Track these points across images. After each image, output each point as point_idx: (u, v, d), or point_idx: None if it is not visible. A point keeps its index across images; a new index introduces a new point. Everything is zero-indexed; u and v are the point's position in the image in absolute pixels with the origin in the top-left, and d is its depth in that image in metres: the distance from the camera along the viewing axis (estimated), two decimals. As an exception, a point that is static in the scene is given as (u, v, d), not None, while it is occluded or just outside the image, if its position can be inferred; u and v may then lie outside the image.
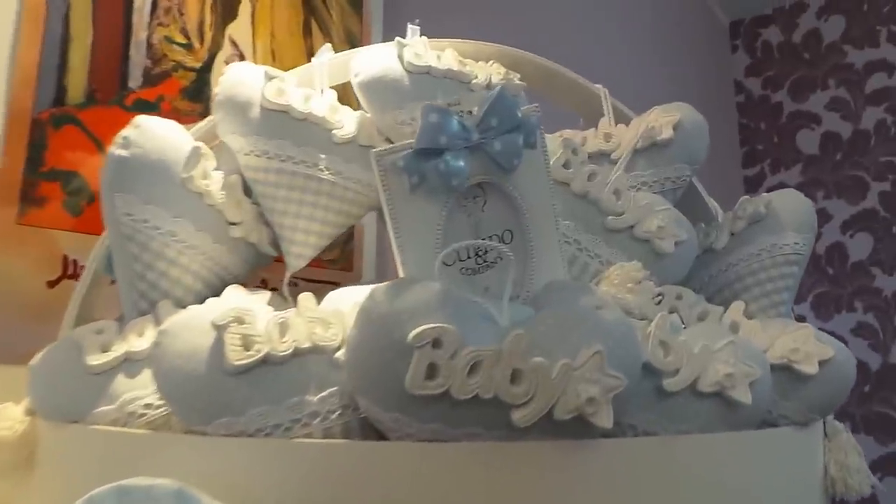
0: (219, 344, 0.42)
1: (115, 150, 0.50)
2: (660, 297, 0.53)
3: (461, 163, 0.45)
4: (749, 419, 0.49)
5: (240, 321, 0.43)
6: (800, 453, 0.55)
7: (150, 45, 0.79)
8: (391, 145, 0.45)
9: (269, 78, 0.59)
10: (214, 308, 0.44)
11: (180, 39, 0.82)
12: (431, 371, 0.39)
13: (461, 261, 0.50)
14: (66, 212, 0.69)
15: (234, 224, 0.58)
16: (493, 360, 0.40)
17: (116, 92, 0.76)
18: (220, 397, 0.41)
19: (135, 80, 0.78)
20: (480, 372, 0.40)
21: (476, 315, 0.43)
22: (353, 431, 0.44)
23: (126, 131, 0.51)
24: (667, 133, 0.65)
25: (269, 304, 0.52)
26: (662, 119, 0.66)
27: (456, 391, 0.39)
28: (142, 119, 0.52)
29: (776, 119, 2.84)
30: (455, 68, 0.62)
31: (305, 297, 0.46)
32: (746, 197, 0.69)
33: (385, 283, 0.42)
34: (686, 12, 2.46)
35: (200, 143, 0.56)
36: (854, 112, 2.65)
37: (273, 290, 0.58)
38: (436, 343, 0.39)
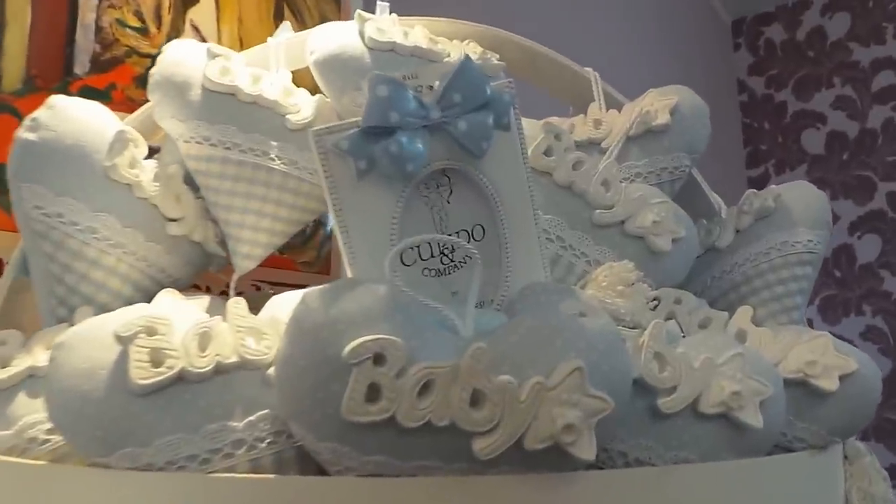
0: (123, 359, 0.35)
1: (22, 133, 0.44)
2: (655, 302, 0.46)
3: (418, 144, 0.38)
4: (759, 444, 0.42)
5: (150, 332, 0.36)
6: (817, 481, 0.48)
7: (99, 29, 0.72)
8: (333, 123, 0.38)
9: (213, 56, 0.52)
10: (124, 316, 0.37)
11: (134, 23, 0.75)
12: (373, 392, 0.32)
13: (423, 260, 0.43)
14: (-1, 209, 0.63)
15: (172, 220, 0.51)
16: (449, 378, 0.33)
17: (60, 79, 0.69)
18: (122, 424, 0.34)
19: (81, 66, 0.71)
20: (434, 393, 0.33)
21: (432, 324, 0.36)
22: (288, 464, 0.37)
23: (37, 112, 0.45)
24: (663, 118, 0.58)
25: (210, 311, 0.45)
26: (658, 103, 0.59)
27: (403, 417, 0.32)
28: (56, 99, 0.46)
29: (780, 119, 2.77)
30: (424, 46, 0.55)
31: (235, 303, 0.39)
32: (753, 191, 0.62)
33: (321, 287, 0.35)
34: (687, 10, 2.40)
35: (128, 127, 0.49)
36: (860, 111, 2.58)
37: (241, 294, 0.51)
38: (378, 359, 0.32)
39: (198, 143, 0.51)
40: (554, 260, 0.50)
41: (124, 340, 0.35)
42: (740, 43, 2.85)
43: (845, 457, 0.52)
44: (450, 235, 0.44)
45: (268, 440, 0.36)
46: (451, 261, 0.44)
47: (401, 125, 0.38)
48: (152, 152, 0.59)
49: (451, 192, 0.44)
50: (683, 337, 0.47)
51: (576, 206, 0.51)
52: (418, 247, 0.43)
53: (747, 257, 0.59)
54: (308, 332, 0.33)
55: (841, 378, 0.45)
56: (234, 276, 0.53)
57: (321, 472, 0.36)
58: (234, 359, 0.37)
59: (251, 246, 0.53)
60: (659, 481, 0.39)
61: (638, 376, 0.40)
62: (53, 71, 0.69)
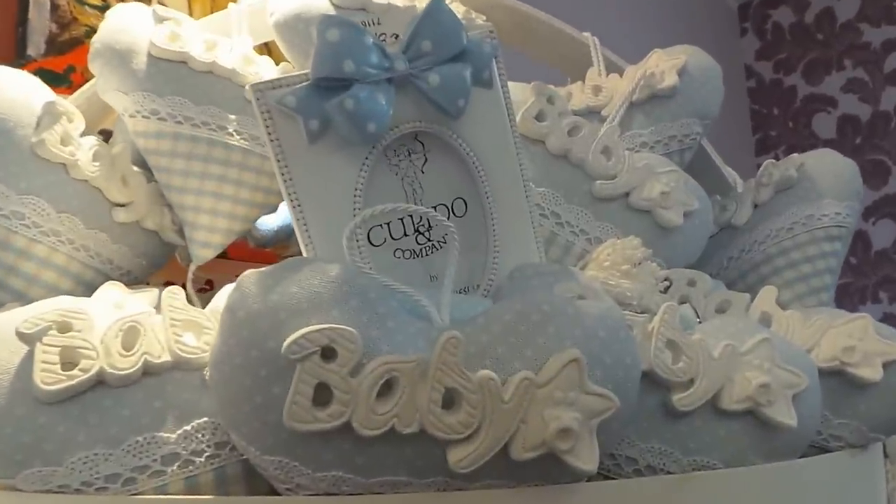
0: (29, 361, 0.29)
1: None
2: (666, 283, 0.40)
3: (380, 101, 0.32)
4: (792, 445, 0.36)
5: (62, 328, 0.30)
6: (857, 484, 0.41)
7: (55, 7, 0.67)
8: (277, 77, 0.33)
9: (160, 20, 0.46)
10: (33, 310, 0.31)
11: (94, 0, 0.70)
12: (323, 394, 0.26)
13: (395, 240, 0.37)
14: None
15: (119, 205, 0.46)
16: (417, 375, 0.27)
17: (12, 61, 0.63)
18: (27, 438, 0.29)
19: (35, 48, 0.65)
20: (397, 394, 0.27)
21: (398, 312, 0.30)
22: (233, 481, 0.31)
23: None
24: (670, 80, 0.52)
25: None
26: (664, 64, 0.53)
27: (360, 423, 0.26)
28: (-26, 67, 0.40)
29: (790, 103, 2.70)
30: (400, 4, 0.49)
31: (170, 293, 0.33)
32: (772, 161, 0.56)
33: (261, 269, 0.29)
34: (691, -5, 2.33)
35: (59, 99, 0.44)
36: (872, 93, 2.51)
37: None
38: (327, 353, 0.26)
39: (145, 117, 0.46)
40: (549, 239, 0.44)
41: (29, 338, 0.29)
42: (747, 27, 2.78)
43: (886, 455, 0.46)
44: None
45: (207, 454, 0.30)
46: (429, 240, 0.38)
47: (358, 77, 0.32)
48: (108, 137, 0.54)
49: (426, 160, 0.38)
50: (699, 322, 0.41)
51: (573, 178, 0.45)
52: (388, 224, 0.37)
53: (768, 234, 0.53)
54: (243, 322, 0.27)
55: (884, 366, 0.39)
56: (192, 267, 0.48)
57: (273, 490, 0.30)
58: (165, 358, 0.31)
59: (209, 233, 0.47)
60: (675, 491, 0.33)
61: (648, 369, 0.34)
62: (4, 53, 0.63)
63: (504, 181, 0.40)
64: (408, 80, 0.34)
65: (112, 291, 0.38)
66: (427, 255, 0.38)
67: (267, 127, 0.32)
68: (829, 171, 0.53)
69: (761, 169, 0.56)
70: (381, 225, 0.37)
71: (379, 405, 0.26)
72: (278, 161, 0.33)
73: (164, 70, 0.46)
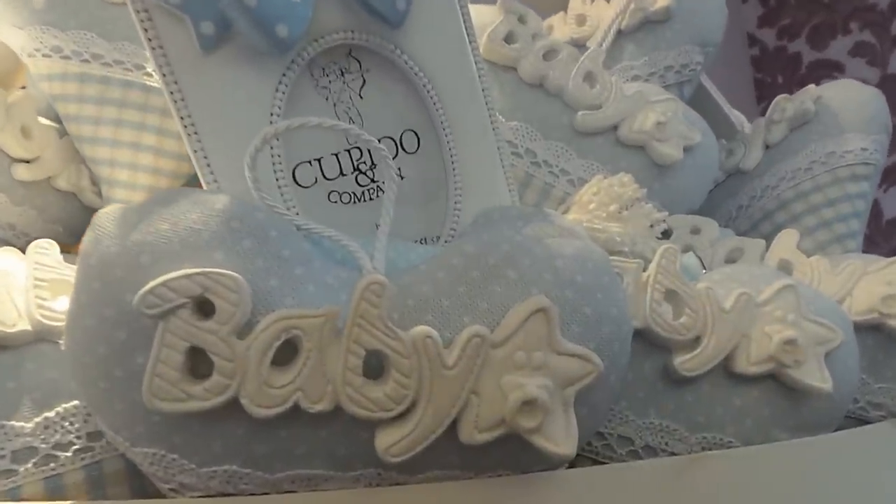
0: None
1: None
2: (664, 225, 0.33)
3: (292, -5, 0.25)
4: (825, 415, 0.29)
5: None
6: (900, 461, 0.34)
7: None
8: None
9: (61, -60, 0.39)
10: None
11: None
12: (199, 362, 0.20)
13: (328, 180, 0.30)
14: None
15: (21, 161, 0.39)
16: (326, 334, 0.20)
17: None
18: None
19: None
20: (301, 359, 0.20)
21: (312, 257, 0.23)
22: (113, 481, 0.24)
23: None
24: (663, 1, 0.45)
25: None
26: (657, -16, 0.46)
27: (251, 399, 0.19)
28: None
29: (795, 70, 2.60)
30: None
31: (38, 248, 0.27)
32: (784, 95, 0.49)
33: (127, 204, 0.22)
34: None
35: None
36: (881, 56, 2.40)
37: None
38: (203, 306, 0.20)
39: (46, 56, 0.39)
40: (523, 181, 0.37)
41: None
42: (748, -7, 2.68)
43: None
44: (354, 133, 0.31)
45: (76, 447, 0.24)
46: (373, 180, 0.31)
47: (259, -39, 0.25)
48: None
49: (364, 82, 0.31)
50: (705, 273, 0.34)
51: (550, 109, 0.38)
52: (319, 161, 0.30)
53: (783, 177, 0.46)
54: (95, 271, 0.20)
55: (933, 317, 0.32)
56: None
57: (158, 491, 0.23)
58: (23, 327, 0.24)
59: (129, 191, 0.40)
60: (681, 476, 0.26)
61: (642, 325, 0.27)
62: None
63: (464, 109, 0.33)
64: (331, -27, 0.27)
65: (8, 257, 0.31)
66: (371, 198, 0.31)
67: (146, 31, 0.25)
68: (851, 101, 0.46)
69: (772, 105, 0.49)
70: (309, 161, 0.30)
71: (276, 375, 0.20)
72: (164, 76, 0.26)
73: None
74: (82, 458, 0.24)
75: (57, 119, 0.42)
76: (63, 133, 0.42)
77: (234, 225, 0.21)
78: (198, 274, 0.19)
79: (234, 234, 0.21)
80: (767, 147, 0.48)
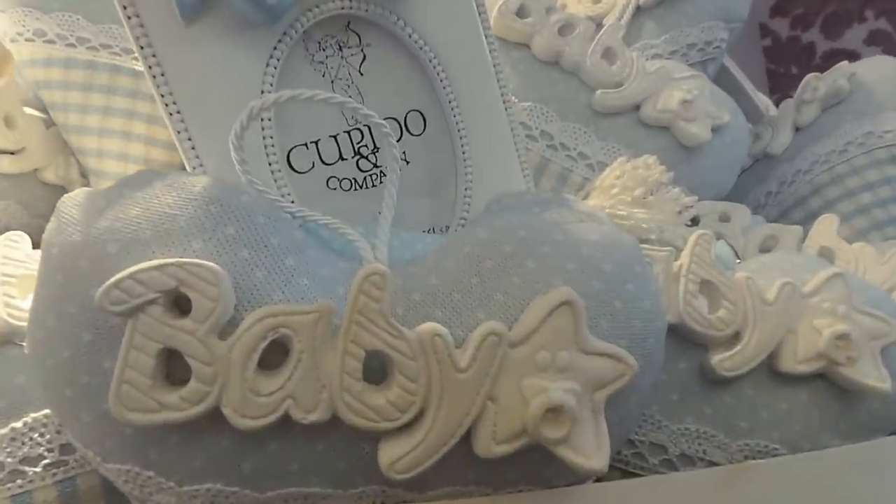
0: None
1: None
2: (692, 211, 0.30)
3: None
4: (881, 417, 0.26)
5: None
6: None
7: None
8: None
9: (42, -83, 0.37)
10: None
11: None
12: (176, 366, 0.17)
13: (326, 164, 0.27)
14: None
15: (4, 153, 0.37)
16: (318, 335, 0.17)
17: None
18: None
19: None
20: (292, 363, 0.17)
21: (305, 247, 0.20)
22: (88, 498, 0.22)
23: None
24: (686, -26, 0.42)
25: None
26: (678, -44, 0.43)
27: (235, 409, 0.17)
28: None
29: (809, 61, 2.55)
30: None
31: (8, 239, 0.24)
32: (815, 74, 0.46)
33: (94, 189, 0.20)
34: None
35: None
36: (897, 44, 2.36)
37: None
38: (178, 302, 0.17)
39: (28, 40, 0.37)
40: (539, 166, 0.34)
41: None
42: (760, -18, 2.64)
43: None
44: (366, 127, 0.28)
45: (46, 461, 0.21)
46: (375, 166, 0.29)
47: (244, -82, 0.22)
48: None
49: (364, 57, 0.28)
50: (739, 263, 0.31)
51: (567, 88, 0.35)
52: (316, 143, 0.27)
53: (816, 160, 0.43)
54: (57, 262, 0.18)
55: None
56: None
57: (138, 511, 0.21)
58: (-13, 328, 0.22)
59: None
60: (722, 489, 0.23)
61: (675, 321, 0.24)
62: None
63: (474, 87, 0.30)
64: (324, -66, 0.25)
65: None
66: (374, 185, 0.29)
67: (124, 5, 0.23)
68: (888, 78, 0.43)
69: (802, 84, 0.46)
70: (305, 144, 0.27)
71: (263, 381, 0.17)
72: (142, 49, 0.23)
73: (48, -21, 0.36)
74: (54, 474, 0.21)
75: (45, 110, 0.40)
76: (50, 124, 0.40)
77: (214, 209, 0.19)
78: (171, 265, 0.17)
79: (214, 219, 0.18)
80: (797, 129, 0.45)
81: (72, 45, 0.37)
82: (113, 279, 0.16)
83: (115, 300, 0.16)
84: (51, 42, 0.36)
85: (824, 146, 0.43)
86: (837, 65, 0.45)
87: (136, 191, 0.19)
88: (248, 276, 0.18)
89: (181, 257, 0.17)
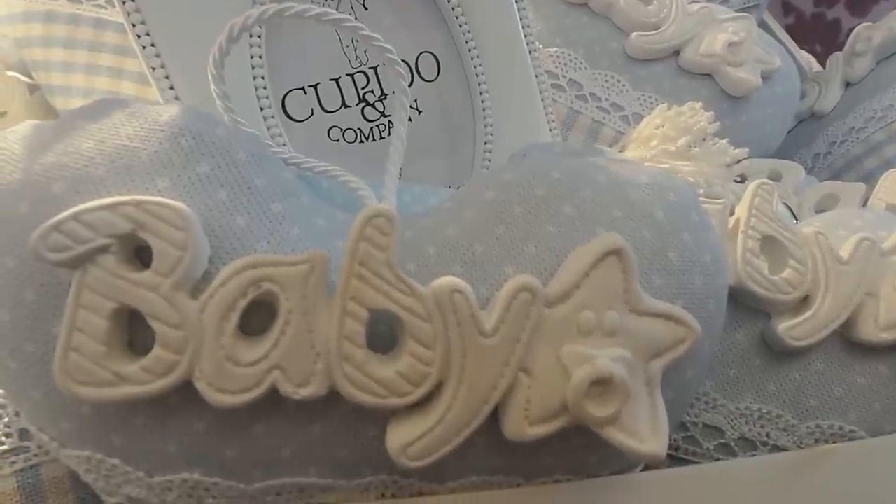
0: None
1: None
2: (742, 165, 0.27)
3: None
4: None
5: None
6: None
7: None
8: None
9: None
10: None
11: None
12: (135, 330, 0.14)
13: (327, 112, 0.24)
14: None
15: (-16, 117, 0.34)
16: (311, 291, 0.14)
17: None
18: None
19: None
20: (279, 326, 0.14)
21: (296, 191, 0.17)
22: (53, 490, 0.19)
23: None
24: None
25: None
26: None
27: (210, 382, 0.14)
28: None
29: (833, 39, 2.48)
30: None
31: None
32: (866, 24, 0.41)
33: (42, 122, 0.16)
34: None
35: None
36: (928, 19, 2.27)
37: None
38: (139, 253, 0.14)
39: (5, -7, 0.33)
40: (567, 119, 0.31)
41: None
42: (783, -43, 2.56)
43: None
44: (372, 70, 0.25)
45: (4, 447, 0.18)
46: (383, 114, 0.25)
47: None
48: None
49: (369, -10, 0.25)
50: (796, 223, 0.27)
51: (598, 32, 0.31)
52: (315, 88, 0.24)
53: (871, 117, 0.39)
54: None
55: None
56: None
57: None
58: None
59: (106, 148, 0.35)
60: (793, 479, 0.20)
61: (734, 283, 0.21)
62: None
63: (495, 28, 0.27)
64: None
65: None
66: (381, 137, 0.26)
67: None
68: (953, 25, 0.39)
69: (852, 36, 0.42)
70: (302, 88, 0.24)
71: (244, 348, 0.14)
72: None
73: (24, -75, 0.33)
74: (12, 462, 0.18)
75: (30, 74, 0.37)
76: (35, 88, 0.37)
77: (185, 142, 0.15)
78: (126, 203, 0.13)
79: (185, 154, 0.15)
80: (848, 85, 0.41)
81: (53, -3, 0.34)
82: (52, 220, 0.13)
83: (55, 246, 0.13)
84: (29, -5, 0.34)
85: (880, 101, 0.39)
86: (893, 11, 0.41)
87: (90, 121, 0.15)
88: (226, 222, 0.15)
89: (134, 195, 0.14)
